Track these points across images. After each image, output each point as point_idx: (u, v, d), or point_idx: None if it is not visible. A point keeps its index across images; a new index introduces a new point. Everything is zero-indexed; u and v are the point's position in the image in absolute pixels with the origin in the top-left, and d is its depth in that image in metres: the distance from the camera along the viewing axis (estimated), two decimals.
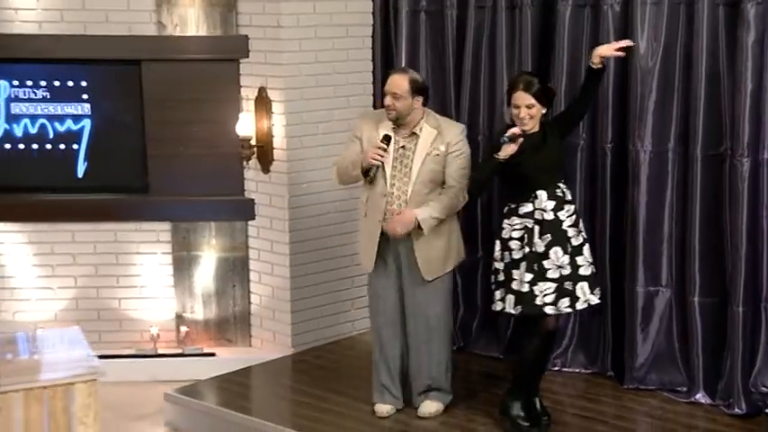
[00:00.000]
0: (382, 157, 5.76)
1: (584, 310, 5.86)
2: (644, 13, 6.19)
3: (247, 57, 7.11)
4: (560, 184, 5.69)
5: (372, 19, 7.34)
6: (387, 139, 5.79)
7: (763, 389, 6.15)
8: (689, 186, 6.20)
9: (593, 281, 5.73)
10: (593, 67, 5.54)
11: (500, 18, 6.82)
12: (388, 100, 5.84)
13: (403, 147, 5.88)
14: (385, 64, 7.35)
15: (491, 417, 6.10)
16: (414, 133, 5.86)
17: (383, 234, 5.90)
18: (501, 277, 5.71)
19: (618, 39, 6.18)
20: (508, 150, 5.43)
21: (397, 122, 5.85)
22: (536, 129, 5.58)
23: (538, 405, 5.90)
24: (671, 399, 6.35)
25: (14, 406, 4.58)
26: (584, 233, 5.73)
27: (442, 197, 5.81)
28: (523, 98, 5.51)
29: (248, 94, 7.12)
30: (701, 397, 6.28)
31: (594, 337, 6.74)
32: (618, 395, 6.43)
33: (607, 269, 6.49)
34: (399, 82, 5.81)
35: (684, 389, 6.36)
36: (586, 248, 5.71)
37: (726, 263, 6.13)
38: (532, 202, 5.63)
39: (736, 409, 6.08)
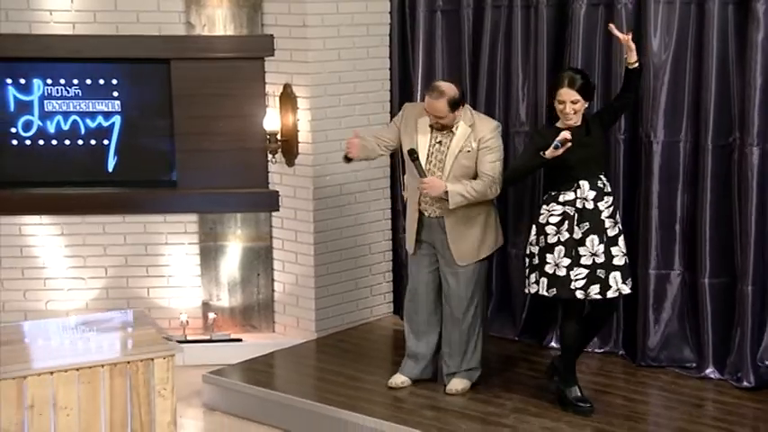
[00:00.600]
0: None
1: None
2: (656, 12, 6.57)
3: (272, 55, 7.42)
4: (602, 176, 6.01)
5: (390, 18, 7.68)
6: (411, 153, 6.19)
7: None
8: (699, 174, 6.59)
9: (625, 271, 6.07)
10: (629, 67, 5.92)
11: (516, 17, 7.16)
12: (432, 119, 6.18)
13: (439, 142, 6.25)
14: (402, 61, 7.69)
15: (514, 392, 6.49)
16: (451, 131, 6.25)
17: (422, 220, 6.31)
18: (536, 261, 6.05)
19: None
20: (556, 153, 5.78)
21: (442, 129, 6.25)
22: (579, 122, 5.93)
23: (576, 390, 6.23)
24: (682, 374, 6.74)
25: (101, 379, 4.89)
26: (620, 225, 6.07)
27: (476, 182, 6.14)
28: (568, 94, 5.85)
29: (273, 90, 7.43)
30: (710, 372, 6.67)
31: None
32: (631, 372, 6.82)
33: None
34: (439, 107, 6.11)
35: (695, 365, 6.77)
36: (621, 239, 6.05)
37: (735, 245, 6.54)
38: (575, 192, 5.94)
39: (745, 383, 6.48)
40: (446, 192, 6.08)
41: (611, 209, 6.03)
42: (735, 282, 6.57)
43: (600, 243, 5.98)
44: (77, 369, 4.84)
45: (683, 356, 6.84)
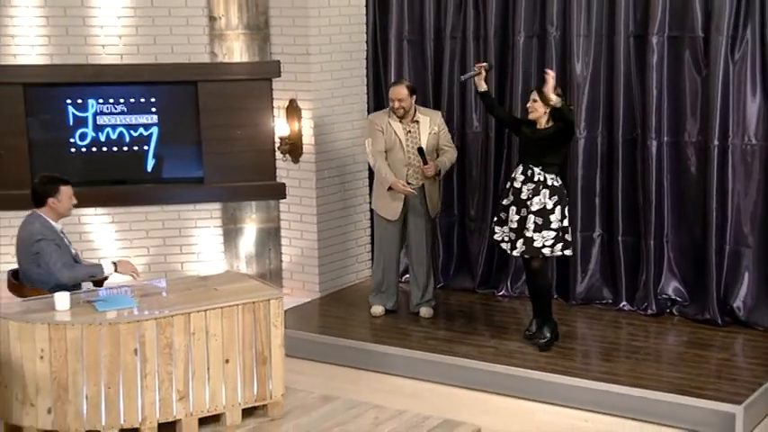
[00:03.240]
0: (413, 189, 8.55)
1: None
2: (578, 43, 8.83)
3: (279, 77, 9.41)
4: (534, 167, 7.74)
5: (366, 46, 9.80)
6: (420, 150, 8.44)
7: (665, 295, 8.85)
8: (613, 160, 8.86)
9: (527, 241, 7.77)
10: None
11: (469, 46, 9.34)
12: (396, 104, 8.47)
13: (409, 131, 8.55)
14: (376, 80, 9.78)
15: (486, 326, 8.68)
16: (415, 121, 8.52)
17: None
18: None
19: (559, 62, 8.87)
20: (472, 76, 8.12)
21: (403, 116, 8.49)
22: (542, 125, 7.84)
23: (533, 326, 8.27)
24: (603, 308, 9.04)
25: (235, 315, 6.87)
26: (548, 206, 7.73)
27: (446, 157, 8.62)
28: (533, 94, 7.85)
29: (282, 104, 9.44)
30: (624, 305, 8.97)
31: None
32: (565, 309, 9.00)
33: None
34: (401, 91, 8.50)
35: (611, 301, 9.07)
36: (533, 217, 7.72)
37: (639, 212, 8.83)
38: (514, 171, 8.02)
39: (649, 311, 8.79)
40: (438, 168, 8.50)
41: (531, 192, 7.74)
42: (640, 238, 8.87)
43: (516, 214, 7.84)
44: (222, 308, 6.83)
45: (603, 295, 9.13)
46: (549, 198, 7.81)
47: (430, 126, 8.56)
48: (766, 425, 7.20)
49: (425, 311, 8.89)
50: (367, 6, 9.73)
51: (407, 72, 9.71)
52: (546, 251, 7.87)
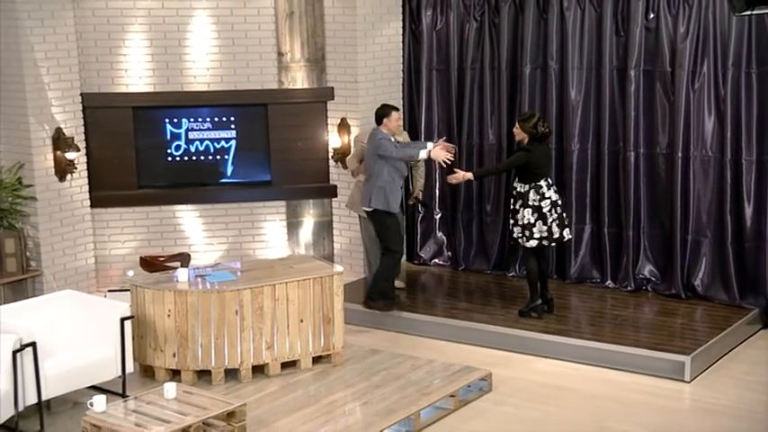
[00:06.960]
0: None
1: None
2: (573, 74, 11.05)
3: (333, 100, 11.65)
4: (514, 183, 9.98)
5: (402, 74, 12.09)
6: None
7: (641, 275, 11.01)
8: (600, 167, 11.05)
9: (520, 234, 10.06)
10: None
11: (486, 75, 11.56)
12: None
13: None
14: (410, 101, 12.02)
15: (501, 299, 10.94)
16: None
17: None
18: None
19: (557, 89, 11.09)
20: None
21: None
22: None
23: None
24: (592, 286, 11.24)
25: (308, 286, 9.14)
26: (516, 206, 9.94)
27: (419, 173, 10.96)
28: (515, 125, 10.11)
29: (335, 121, 11.70)
30: (609, 283, 11.16)
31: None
32: (562, 286, 11.19)
33: None
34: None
35: (599, 280, 11.29)
36: (514, 216, 10.04)
37: (621, 209, 11.02)
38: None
39: (629, 288, 10.99)
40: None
41: (513, 199, 10.03)
42: (621, 230, 11.05)
43: (512, 218, 10.16)
44: (298, 281, 9.12)
45: (593, 275, 11.32)
46: (515, 202, 10.05)
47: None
48: (710, 371, 9.39)
49: (397, 283, 11.09)
50: (403, 42, 11.97)
51: (435, 95, 11.96)
52: (521, 241, 10.11)
